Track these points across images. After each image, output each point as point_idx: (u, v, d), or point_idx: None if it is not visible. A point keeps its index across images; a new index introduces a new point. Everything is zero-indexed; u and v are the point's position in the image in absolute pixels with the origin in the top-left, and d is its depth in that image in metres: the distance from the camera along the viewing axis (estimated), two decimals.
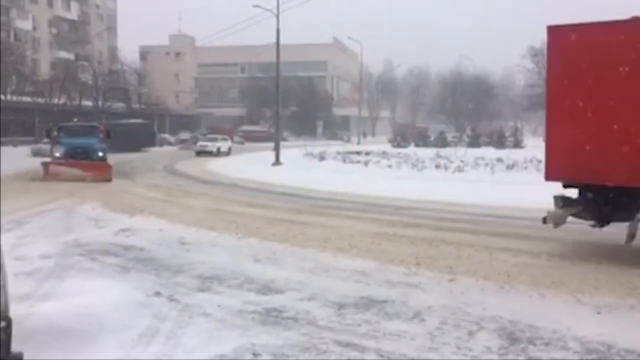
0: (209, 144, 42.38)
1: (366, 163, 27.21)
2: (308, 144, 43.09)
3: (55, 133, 23.07)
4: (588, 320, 5.75)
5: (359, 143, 59.62)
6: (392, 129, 79.33)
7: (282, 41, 32.52)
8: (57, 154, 22.27)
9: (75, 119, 26.91)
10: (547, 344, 5.14)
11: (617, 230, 8.87)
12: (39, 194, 16.68)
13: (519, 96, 70.63)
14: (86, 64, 61.40)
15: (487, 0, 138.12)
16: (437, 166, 24.72)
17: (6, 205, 11.90)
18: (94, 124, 26.49)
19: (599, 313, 5.99)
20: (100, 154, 22.94)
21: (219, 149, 41.61)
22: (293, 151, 36.73)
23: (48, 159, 23.06)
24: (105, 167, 21.62)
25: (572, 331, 5.40)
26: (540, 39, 59.01)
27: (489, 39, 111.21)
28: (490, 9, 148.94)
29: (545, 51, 9.85)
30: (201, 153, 40.59)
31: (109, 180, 20.45)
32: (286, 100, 54.89)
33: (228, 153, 41.99)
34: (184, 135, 59.19)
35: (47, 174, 20.88)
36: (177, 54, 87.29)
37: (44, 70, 59.95)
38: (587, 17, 8.84)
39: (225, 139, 44.63)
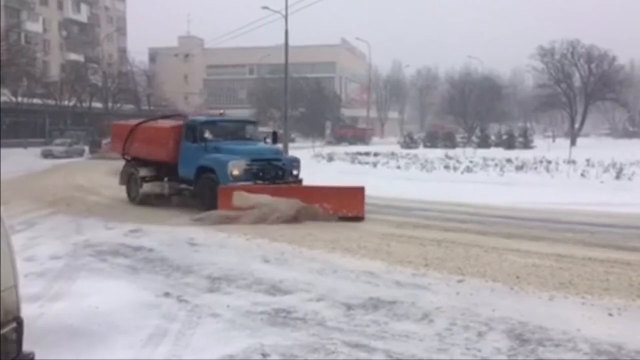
0: None
1: (375, 164, 27.16)
2: (317, 144, 42.98)
3: (206, 134, 13.75)
4: (598, 322, 5.72)
5: (367, 144, 59.55)
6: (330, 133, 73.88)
7: (291, 42, 32.57)
8: (236, 172, 12.91)
9: (221, 111, 16.89)
10: (556, 345, 5.12)
11: None
12: None
13: (528, 96, 70.29)
14: (96, 65, 61.76)
15: (495, 1, 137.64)
16: (446, 167, 24.64)
17: None
18: (250, 119, 17.66)
19: (610, 315, 5.96)
20: (295, 172, 14.35)
21: None
22: (301, 152, 36.69)
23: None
24: (358, 193, 12.57)
25: (582, 332, 5.37)
26: (549, 39, 58.98)
27: (497, 39, 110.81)
28: (498, 9, 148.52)
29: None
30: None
31: (362, 217, 12.30)
32: (294, 102, 54.91)
33: None
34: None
35: (224, 206, 12.08)
36: (186, 56, 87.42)
37: (54, 72, 60.33)
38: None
39: None
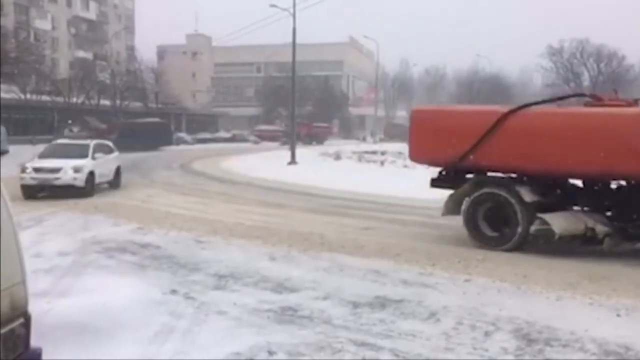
0: (63, 165, 15.83)
1: (382, 163, 27.14)
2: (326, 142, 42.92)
3: None
4: (606, 322, 5.69)
5: (375, 142, 59.46)
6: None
7: (298, 40, 32.52)
8: None
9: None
10: (564, 346, 5.10)
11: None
12: None
13: (536, 96, 69.99)
14: (104, 63, 61.98)
15: (504, 0, 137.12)
16: None
17: None
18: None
19: (618, 315, 5.92)
20: None
21: (91, 174, 16.26)
22: (308, 150, 36.74)
23: None
24: None
25: (589, 333, 5.35)
26: (558, 38, 58.81)
27: (506, 38, 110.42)
28: (506, 8, 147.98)
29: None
30: (37, 190, 15.58)
31: None
32: (302, 100, 54.93)
33: (117, 182, 18.29)
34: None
35: None
36: (194, 54, 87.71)
37: (63, 70, 60.62)
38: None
39: (108, 149, 18.72)
